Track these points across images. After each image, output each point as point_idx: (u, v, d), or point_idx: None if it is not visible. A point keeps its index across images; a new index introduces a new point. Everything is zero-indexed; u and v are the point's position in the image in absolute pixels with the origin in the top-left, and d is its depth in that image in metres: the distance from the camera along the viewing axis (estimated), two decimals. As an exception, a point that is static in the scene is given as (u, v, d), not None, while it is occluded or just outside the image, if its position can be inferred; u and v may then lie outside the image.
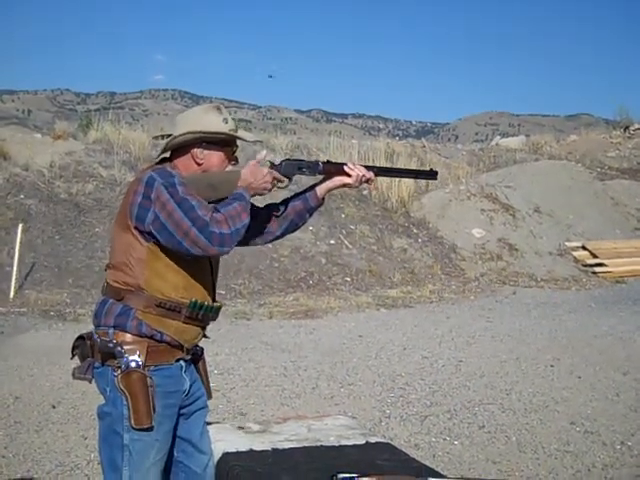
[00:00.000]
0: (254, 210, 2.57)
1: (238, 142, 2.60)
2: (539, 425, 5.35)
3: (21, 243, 9.58)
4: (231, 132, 2.53)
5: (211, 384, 2.79)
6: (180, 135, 2.48)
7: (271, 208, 2.73)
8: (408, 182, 13.56)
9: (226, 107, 2.65)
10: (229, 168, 2.57)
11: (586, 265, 13.02)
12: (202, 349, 2.68)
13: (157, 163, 2.57)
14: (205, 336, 2.62)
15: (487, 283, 11.81)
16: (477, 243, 13.05)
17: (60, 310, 8.78)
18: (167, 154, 2.58)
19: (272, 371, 6.68)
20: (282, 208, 2.71)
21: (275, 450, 3.19)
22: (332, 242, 12.09)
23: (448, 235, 13.11)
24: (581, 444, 4.97)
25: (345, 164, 2.69)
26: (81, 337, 2.53)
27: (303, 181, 2.80)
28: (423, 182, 13.85)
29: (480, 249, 12.91)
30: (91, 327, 2.55)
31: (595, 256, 13.19)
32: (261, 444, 3.26)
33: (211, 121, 2.50)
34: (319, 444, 3.30)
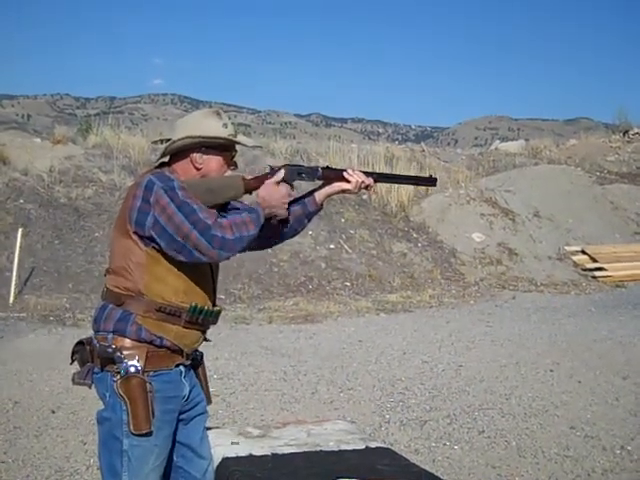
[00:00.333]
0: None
1: (237, 147, 2.60)
2: (539, 430, 5.34)
3: (21, 248, 9.58)
4: (230, 137, 2.53)
5: (211, 389, 2.78)
6: (179, 140, 2.48)
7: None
8: (408, 186, 13.56)
9: (225, 111, 2.65)
10: (228, 173, 2.57)
11: (586, 269, 13.03)
12: (202, 354, 2.68)
13: (156, 167, 2.57)
14: (206, 339, 2.62)
15: (487, 287, 11.80)
16: (477, 247, 13.05)
17: (59, 315, 8.78)
18: (166, 159, 2.57)
19: (272, 376, 6.67)
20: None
21: (275, 455, 3.20)
22: (332, 247, 12.09)
23: (448, 239, 13.11)
24: (581, 448, 4.97)
25: (344, 170, 2.68)
26: (81, 342, 2.52)
27: (302, 186, 2.80)
28: (422, 187, 13.84)
29: (480, 253, 12.91)
30: (90, 332, 2.55)
31: (595, 260, 13.19)
32: (261, 449, 3.26)
33: (210, 126, 2.50)
34: (319, 449, 3.30)
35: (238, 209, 2.55)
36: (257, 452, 3.22)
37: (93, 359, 2.45)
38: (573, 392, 6.30)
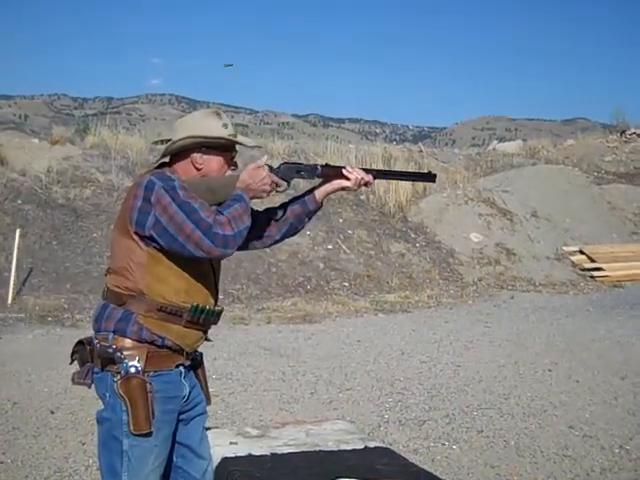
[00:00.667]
0: (253, 214, 2.56)
1: (237, 147, 2.60)
2: (537, 429, 5.35)
3: (19, 248, 9.57)
4: (230, 137, 2.53)
5: (210, 389, 2.78)
6: (180, 140, 2.48)
7: (270, 212, 2.72)
8: (406, 186, 13.58)
9: (223, 112, 2.65)
10: (228, 173, 2.57)
11: (584, 269, 13.04)
12: (201, 355, 2.68)
13: (156, 168, 2.57)
14: (207, 339, 2.62)
15: (485, 288, 11.81)
16: (475, 248, 13.05)
17: (58, 315, 8.77)
18: (166, 159, 2.57)
19: (270, 376, 6.67)
20: (281, 212, 2.71)
21: (274, 455, 3.20)
22: (330, 247, 12.09)
23: (446, 240, 13.11)
24: (579, 448, 4.97)
25: (344, 167, 2.68)
26: (81, 342, 2.52)
27: (301, 185, 2.80)
28: (421, 186, 13.87)
29: (478, 254, 12.92)
30: (89, 332, 2.54)
31: (593, 260, 13.21)
32: (260, 449, 3.27)
33: (210, 126, 2.50)
34: (318, 449, 3.31)
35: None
36: (256, 452, 3.23)
37: (93, 359, 2.45)
38: (571, 392, 6.31)
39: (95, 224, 11.07)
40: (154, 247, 2.40)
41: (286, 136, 29.03)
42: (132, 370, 2.38)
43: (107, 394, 2.41)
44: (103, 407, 2.45)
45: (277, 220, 2.71)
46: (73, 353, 2.54)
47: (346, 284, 11.21)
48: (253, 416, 5.53)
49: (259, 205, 2.69)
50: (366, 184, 2.68)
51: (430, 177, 2.87)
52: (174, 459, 2.59)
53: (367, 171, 2.69)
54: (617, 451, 4.93)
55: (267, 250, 10.32)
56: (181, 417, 2.56)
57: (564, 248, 13.61)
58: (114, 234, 2.52)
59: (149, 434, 2.39)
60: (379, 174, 2.78)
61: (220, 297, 2.64)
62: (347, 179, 2.66)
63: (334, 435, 3.54)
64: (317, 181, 2.74)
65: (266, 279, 10.86)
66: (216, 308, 2.56)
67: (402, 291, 11.14)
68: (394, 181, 11.65)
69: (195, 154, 2.50)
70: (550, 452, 4.88)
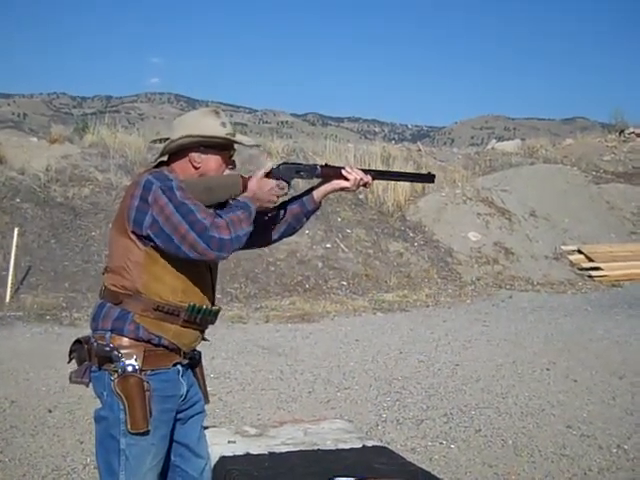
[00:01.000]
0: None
1: (235, 146, 2.60)
2: (535, 429, 5.35)
3: (17, 247, 9.57)
4: (229, 136, 2.53)
5: (208, 388, 2.78)
6: (178, 139, 2.48)
7: (269, 212, 2.72)
8: (404, 186, 13.57)
9: (222, 111, 2.65)
10: (226, 172, 2.57)
11: (582, 269, 13.04)
12: (200, 353, 2.68)
13: (154, 167, 2.57)
14: (204, 339, 2.62)
15: (483, 287, 11.82)
16: (473, 247, 13.06)
17: (56, 314, 8.77)
18: (164, 158, 2.57)
19: (268, 375, 6.67)
20: (280, 211, 2.71)
21: (272, 454, 3.20)
22: (328, 246, 12.09)
23: (444, 239, 13.11)
24: (577, 448, 4.98)
25: (343, 167, 2.68)
26: (78, 341, 2.52)
27: (300, 185, 2.80)
28: (419, 186, 13.86)
29: (476, 253, 12.92)
30: (87, 331, 2.54)
31: (591, 260, 13.21)
32: (258, 448, 3.26)
33: (209, 125, 2.50)
34: (316, 448, 3.30)
35: (230, 205, 2.54)
36: (254, 451, 3.22)
37: (91, 358, 2.45)
38: (569, 391, 6.31)
39: (93, 223, 11.07)
40: (151, 246, 2.40)
41: (285, 135, 29.01)
42: (129, 369, 2.38)
43: (104, 393, 2.42)
44: (101, 406, 2.45)
45: (276, 219, 2.71)
46: (71, 352, 2.54)
47: (344, 283, 11.21)
48: (251, 415, 5.53)
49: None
50: (365, 185, 2.68)
51: (429, 178, 2.87)
52: (172, 458, 2.59)
53: (366, 172, 2.69)
54: (615, 450, 4.93)
55: (265, 249, 10.32)
56: (179, 416, 2.56)
57: (562, 247, 13.61)
58: (112, 233, 2.52)
59: (146, 433, 2.39)
60: (378, 175, 2.79)
61: (218, 296, 2.64)
62: (346, 179, 2.66)
63: (332, 434, 3.54)
64: (316, 181, 2.74)
65: (264, 278, 10.86)
66: (213, 308, 2.56)
67: (400, 290, 11.14)
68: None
69: (193, 153, 2.50)
70: (548, 451, 4.89)
